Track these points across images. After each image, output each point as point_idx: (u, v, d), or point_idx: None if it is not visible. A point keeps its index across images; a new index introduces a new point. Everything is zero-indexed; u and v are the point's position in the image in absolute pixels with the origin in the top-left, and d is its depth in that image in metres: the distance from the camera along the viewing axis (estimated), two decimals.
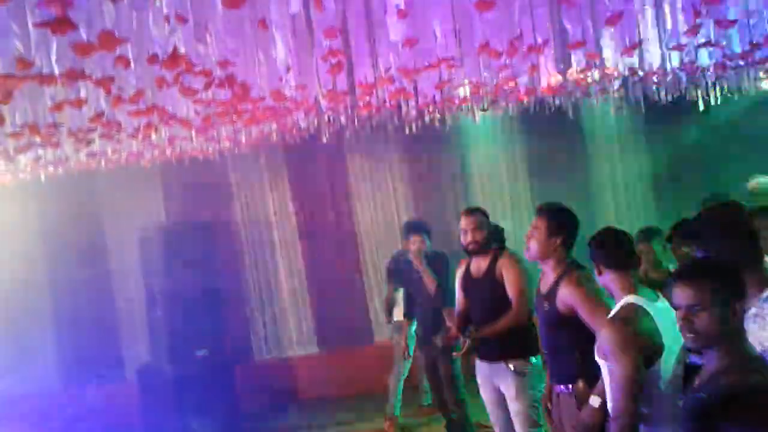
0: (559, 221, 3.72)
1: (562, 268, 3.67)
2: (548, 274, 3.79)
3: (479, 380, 4.62)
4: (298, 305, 8.05)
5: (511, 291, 4.36)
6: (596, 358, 3.02)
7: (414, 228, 5.94)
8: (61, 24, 2.03)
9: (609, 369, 2.91)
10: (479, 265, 4.57)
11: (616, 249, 3.11)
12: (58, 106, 3.05)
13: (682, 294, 2.22)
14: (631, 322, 2.89)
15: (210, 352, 6.77)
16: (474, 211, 4.67)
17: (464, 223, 4.58)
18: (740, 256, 2.55)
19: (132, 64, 2.62)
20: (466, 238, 4.55)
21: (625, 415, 2.78)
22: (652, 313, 2.93)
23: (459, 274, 4.78)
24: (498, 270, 4.45)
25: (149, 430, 6.88)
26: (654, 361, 2.84)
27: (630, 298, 3.00)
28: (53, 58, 2.39)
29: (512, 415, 4.39)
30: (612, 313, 3.07)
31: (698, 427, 2.15)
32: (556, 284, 3.67)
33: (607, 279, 3.08)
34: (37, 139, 4.00)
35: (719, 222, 2.77)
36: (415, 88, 4.34)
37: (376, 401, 7.45)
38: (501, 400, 4.50)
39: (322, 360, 7.99)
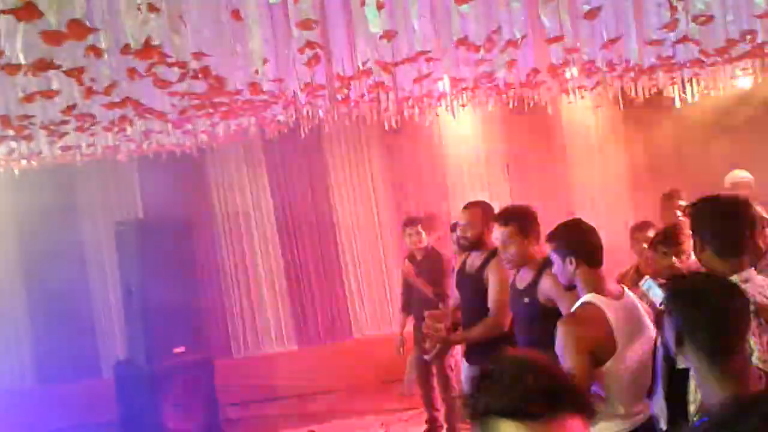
0: (524, 222, 3.83)
1: (540, 263, 3.73)
2: (524, 270, 3.82)
3: (463, 381, 4.64)
4: (277, 301, 8.01)
5: (491, 299, 4.26)
6: None
7: (406, 221, 6.05)
8: (28, 11, 1.99)
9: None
10: (474, 261, 4.51)
11: (586, 244, 3.10)
12: (29, 98, 2.99)
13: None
14: (583, 323, 2.89)
15: (188, 348, 6.70)
16: (472, 206, 4.58)
17: (460, 216, 4.58)
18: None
19: (104, 55, 2.57)
20: (458, 233, 4.54)
21: None
22: (609, 313, 2.91)
23: (456, 267, 4.76)
24: (486, 272, 4.36)
25: (126, 427, 6.81)
26: (604, 361, 2.83)
27: (588, 297, 2.99)
28: (18, 46, 2.34)
29: None
30: (571, 310, 3.08)
31: None
32: (535, 278, 3.70)
33: (576, 272, 3.06)
34: (10, 132, 3.92)
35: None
36: (394, 82, 4.32)
37: (356, 396, 7.46)
38: None
39: (301, 356, 7.96)
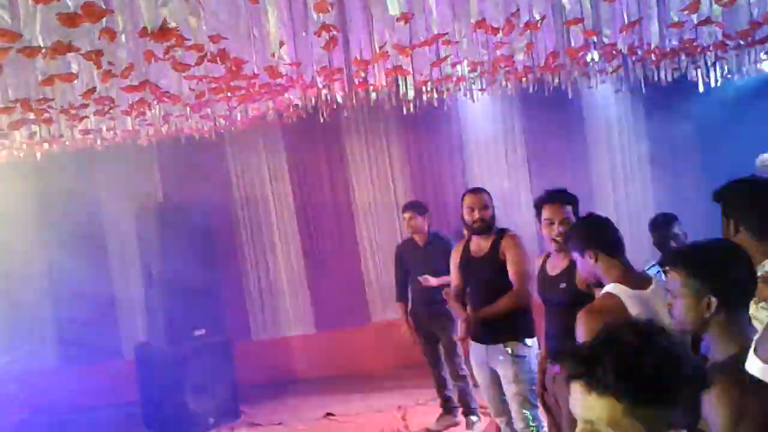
0: (577, 205, 3.87)
1: None
2: (556, 256, 3.82)
3: (473, 363, 4.62)
4: (295, 285, 8.05)
5: (513, 272, 4.34)
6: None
7: (406, 206, 6.13)
8: None
9: None
10: (480, 245, 4.56)
11: (608, 234, 3.08)
12: (48, 81, 3.01)
13: (667, 278, 2.21)
14: (600, 313, 2.84)
15: (207, 330, 6.77)
16: (480, 190, 4.70)
17: (470, 201, 4.58)
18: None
19: (120, 37, 2.58)
20: (473, 216, 4.52)
21: None
22: (629, 303, 2.88)
23: (456, 253, 4.78)
24: (501, 250, 4.43)
25: (146, 408, 6.91)
26: None
27: (610, 287, 2.97)
28: (37, 28, 2.36)
29: (509, 396, 4.40)
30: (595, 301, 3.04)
31: None
32: (573, 263, 3.68)
33: (597, 265, 3.04)
34: (30, 115, 3.96)
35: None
36: (412, 66, 4.30)
37: (373, 381, 7.50)
38: (496, 382, 4.50)
39: (319, 340, 8.01)
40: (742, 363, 1.99)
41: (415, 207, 6.09)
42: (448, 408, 6.08)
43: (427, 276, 5.87)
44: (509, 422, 4.54)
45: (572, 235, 3.16)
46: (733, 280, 2.08)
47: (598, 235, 3.08)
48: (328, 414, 6.74)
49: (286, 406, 7.15)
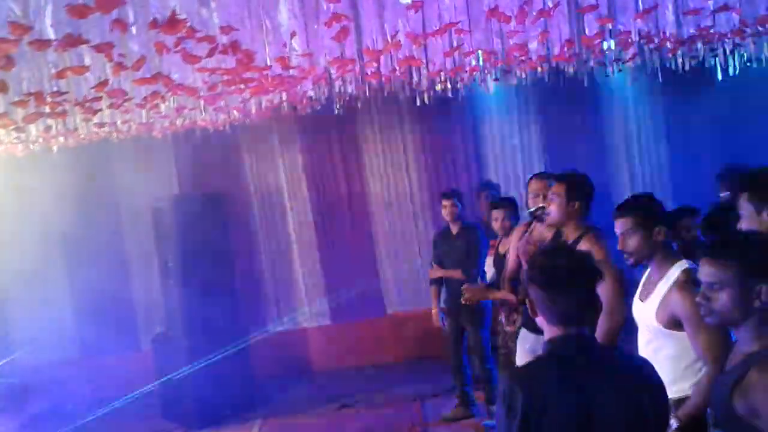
0: (578, 186, 3.89)
1: (581, 230, 3.83)
2: (567, 236, 3.89)
3: (521, 351, 4.46)
4: (311, 277, 8.07)
5: None
6: (657, 326, 2.99)
7: (448, 194, 6.10)
8: None
9: (692, 336, 2.86)
10: (542, 233, 4.40)
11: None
12: (60, 74, 3.03)
13: (703, 270, 2.14)
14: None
15: (224, 323, 6.80)
16: (545, 175, 4.62)
17: (536, 186, 4.48)
18: None
19: (131, 29, 2.59)
20: (536, 203, 4.41)
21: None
22: None
23: (517, 236, 4.72)
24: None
25: (164, 400, 6.96)
26: None
27: (684, 263, 3.01)
28: (48, 21, 2.37)
29: None
30: (671, 279, 3.00)
31: (724, 413, 2.08)
32: (575, 243, 3.75)
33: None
34: (45, 109, 3.98)
35: None
36: (425, 56, 4.27)
37: (389, 372, 7.51)
38: None
39: (335, 331, 8.03)
40: None
41: (456, 194, 6.09)
42: (465, 401, 6.07)
43: (436, 266, 5.90)
44: None
45: (637, 208, 3.09)
46: None
47: (664, 214, 3.13)
48: (344, 405, 6.76)
49: (301, 398, 7.18)
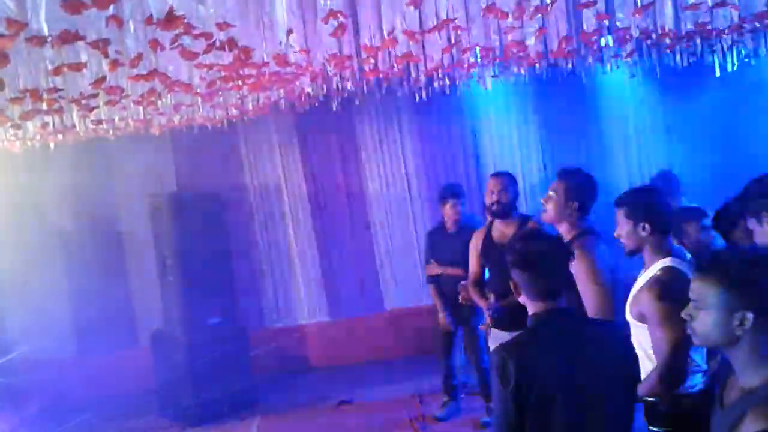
0: (578, 185, 3.70)
1: (575, 232, 3.64)
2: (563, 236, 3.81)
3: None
4: (309, 273, 8.07)
5: None
6: (629, 318, 3.05)
7: (455, 193, 5.94)
8: None
9: (651, 333, 2.93)
10: (503, 231, 4.52)
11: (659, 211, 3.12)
12: (57, 71, 3.02)
13: (691, 286, 1.97)
14: (672, 287, 2.85)
15: (222, 319, 6.80)
16: (502, 174, 4.70)
17: (491, 184, 4.58)
18: None
19: (127, 25, 2.58)
20: (491, 199, 4.52)
21: (675, 372, 2.87)
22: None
23: (477, 240, 4.73)
24: None
25: (162, 397, 6.97)
26: None
27: (667, 261, 3.01)
28: (42, 17, 2.35)
29: None
30: (648, 276, 3.05)
31: None
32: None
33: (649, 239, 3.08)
34: (42, 106, 3.97)
35: None
36: (423, 53, 4.27)
37: (387, 368, 7.51)
38: None
39: (333, 328, 8.03)
40: None
41: (461, 193, 5.96)
42: (454, 396, 6.10)
43: (433, 262, 5.90)
44: None
45: (627, 201, 3.15)
46: None
47: (656, 208, 3.13)
48: (343, 402, 6.76)
49: (300, 394, 7.18)
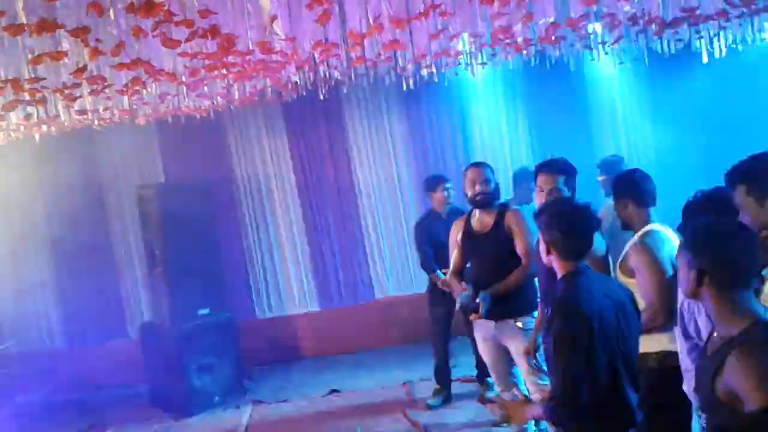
0: (570, 175, 3.93)
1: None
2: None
3: (480, 339, 4.59)
4: (298, 263, 8.05)
5: (521, 246, 4.33)
6: (620, 277, 3.49)
7: (446, 178, 6.13)
8: None
9: (638, 281, 3.39)
10: (483, 220, 4.52)
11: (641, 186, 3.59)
12: (37, 60, 2.98)
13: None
14: (654, 241, 3.42)
15: (212, 309, 6.78)
16: (482, 164, 4.66)
17: (472, 174, 4.54)
18: None
19: (107, 13, 2.54)
20: (474, 190, 4.49)
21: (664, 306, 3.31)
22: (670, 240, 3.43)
23: (456, 231, 4.72)
24: (506, 225, 4.41)
25: (152, 387, 6.95)
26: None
27: (650, 225, 3.50)
28: (19, 5, 2.32)
29: (523, 370, 4.38)
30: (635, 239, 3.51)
31: (707, 397, 2.18)
32: None
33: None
34: (24, 96, 3.93)
35: None
36: (411, 40, 4.24)
37: (377, 357, 7.51)
38: (503, 358, 4.49)
39: (323, 317, 8.02)
40: (759, 334, 2.05)
41: (449, 179, 6.14)
42: (446, 384, 6.12)
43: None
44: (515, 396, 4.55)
45: (616, 182, 3.70)
46: (727, 261, 2.13)
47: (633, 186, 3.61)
48: (333, 391, 6.76)
49: (291, 384, 7.18)
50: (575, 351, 2.60)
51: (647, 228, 3.50)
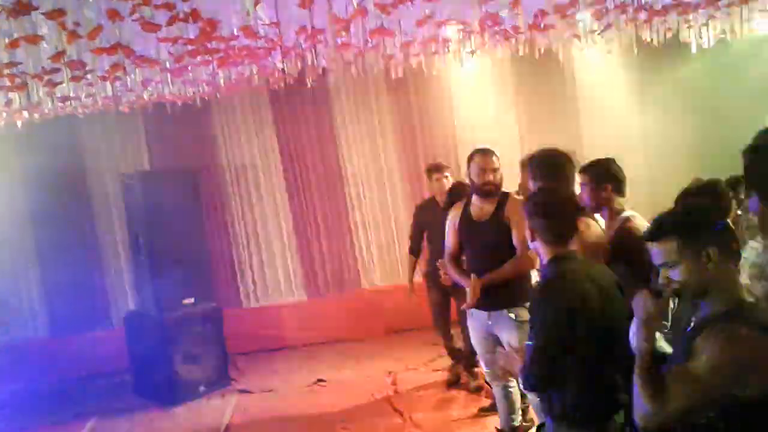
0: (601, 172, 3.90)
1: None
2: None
3: (472, 330, 4.51)
4: (285, 251, 8.01)
5: (518, 236, 4.20)
6: None
7: (442, 167, 6.07)
8: None
9: None
10: (483, 208, 4.40)
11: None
12: (13, 43, 2.91)
13: (653, 254, 2.19)
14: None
15: (197, 299, 6.73)
16: (490, 151, 4.46)
17: (481, 161, 4.37)
18: None
19: None
20: (485, 178, 4.33)
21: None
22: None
23: (453, 217, 4.63)
24: (506, 213, 4.29)
25: (137, 377, 6.90)
26: None
27: (627, 212, 3.71)
28: None
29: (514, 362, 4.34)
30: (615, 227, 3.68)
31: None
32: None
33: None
34: (4, 81, 3.86)
35: None
36: (399, 27, 4.18)
37: (363, 347, 7.49)
38: (494, 348, 4.43)
39: (309, 307, 7.99)
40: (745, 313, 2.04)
41: (446, 167, 6.08)
42: (457, 357, 6.10)
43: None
44: (506, 387, 4.54)
45: (591, 169, 3.82)
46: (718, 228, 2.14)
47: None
48: (319, 380, 6.73)
49: (276, 373, 7.14)
50: (554, 330, 2.69)
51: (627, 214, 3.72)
